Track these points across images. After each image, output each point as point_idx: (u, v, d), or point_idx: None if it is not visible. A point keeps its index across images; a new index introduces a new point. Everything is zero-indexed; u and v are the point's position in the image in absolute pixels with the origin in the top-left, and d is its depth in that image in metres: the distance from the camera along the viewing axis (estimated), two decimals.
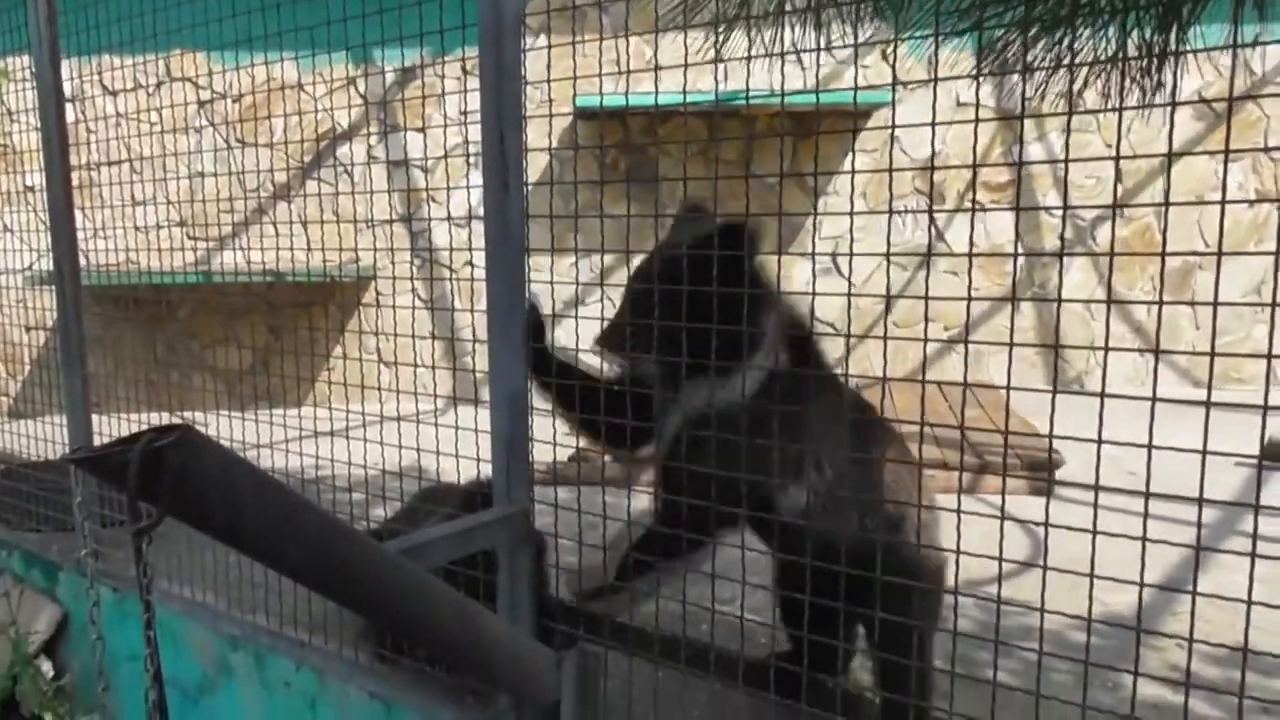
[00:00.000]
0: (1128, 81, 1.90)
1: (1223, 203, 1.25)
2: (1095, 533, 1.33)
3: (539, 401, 1.93)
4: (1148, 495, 1.28)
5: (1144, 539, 1.29)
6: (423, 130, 5.38)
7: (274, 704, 2.43)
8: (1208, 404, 1.25)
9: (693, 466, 1.68)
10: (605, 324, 1.87)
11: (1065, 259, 5.47)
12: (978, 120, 1.45)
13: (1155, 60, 1.81)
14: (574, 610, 1.95)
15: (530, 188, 1.87)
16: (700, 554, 1.76)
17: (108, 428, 3.00)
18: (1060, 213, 5.15)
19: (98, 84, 5.41)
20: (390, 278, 4.72)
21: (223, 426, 2.56)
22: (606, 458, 2.36)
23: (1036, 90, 1.92)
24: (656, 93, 1.84)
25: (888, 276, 1.46)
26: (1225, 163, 1.38)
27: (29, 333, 3.66)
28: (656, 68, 1.74)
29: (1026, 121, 5.39)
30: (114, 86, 5.31)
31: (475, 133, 1.84)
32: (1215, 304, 1.25)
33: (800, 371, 1.67)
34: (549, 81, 1.83)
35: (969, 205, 5.52)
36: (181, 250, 5.05)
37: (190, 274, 5.27)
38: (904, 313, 5.53)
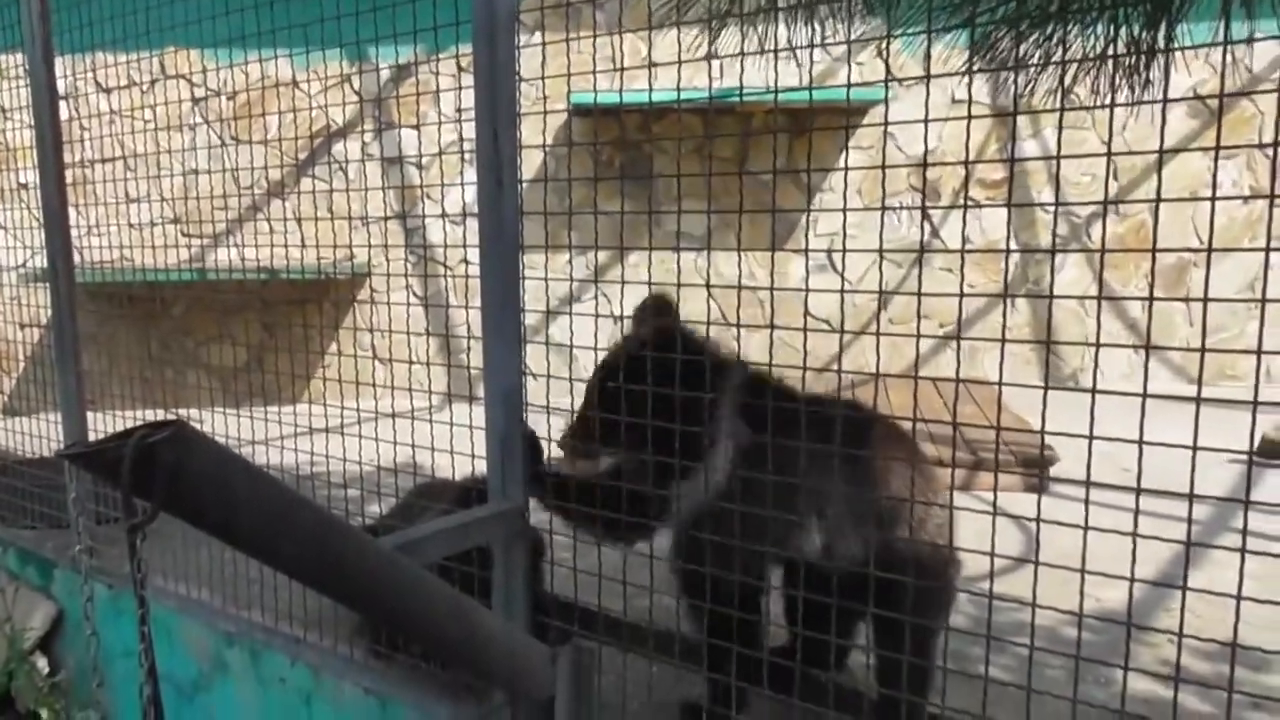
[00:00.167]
0: (1118, 78, 1.90)
1: (1213, 199, 1.25)
2: (1086, 528, 1.34)
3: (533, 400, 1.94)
4: (1139, 491, 1.29)
5: (1134, 534, 1.30)
6: (417, 127, 5.38)
7: (269, 700, 2.43)
8: (1198, 400, 1.26)
9: (692, 566, 1.75)
10: (568, 424, 1.94)
11: (1061, 256, 5.48)
12: (970, 116, 1.45)
13: (1144, 57, 1.82)
14: (569, 606, 1.96)
15: (525, 185, 1.87)
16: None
17: (103, 425, 2.99)
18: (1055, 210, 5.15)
19: (91, 81, 5.39)
20: (385, 275, 4.71)
21: (218, 423, 2.55)
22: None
23: (1027, 86, 1.93)
24: (651, 90, 1.84)
25: (880, 273, 1.46)
26: (1216, 159, 1.39)
27: (23, 330, 3.65)
28: (651, 64, 1.75)
29: (1023, 119, 5.41)
30: (108, 84, 5.29)
31: (470, 130, 1.84)
32: (1205, 300, 1.26)
33: (770, 441, 1.70)
34: (543, 78, 1.83)
35: (964, 202, 5.53)
36: (176, 247, 5.04)
37: (185, 271, 5.26)
38: (900, 309, 5.54)
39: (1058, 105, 1.38)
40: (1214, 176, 1.49)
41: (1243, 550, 1.24)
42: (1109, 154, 1.37)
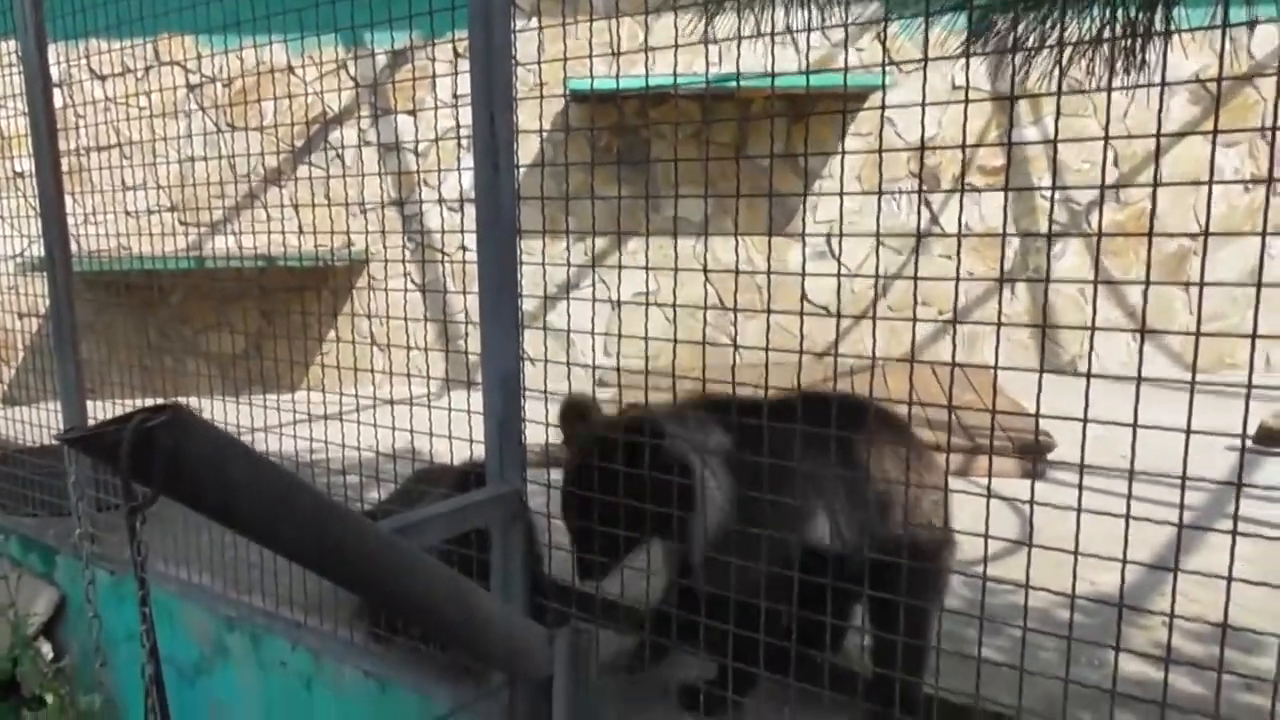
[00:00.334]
0: (1115, 61, 1.90)
1: (1210, 183, 1.25)
2: (1080, 510, 1.35)
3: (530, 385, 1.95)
4: (1131, 475, 1.30)
5: (1127, 517, 1.31)
6: (414, 113, 5.36)
7: (270, 684, 2.45)
8: (1192, 384, 1.27)
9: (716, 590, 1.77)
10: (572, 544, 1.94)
11: (1062, 244, 5.47)
12: (967, 101, 1.45)
13: (1139, 40, 1.81)
14: (566, 588, 1.97)
15: (522, 170, 1.87)
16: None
17: (102, 413, 3.00)
18: (1054, 196, 5.15)
19: (85, 68, 5.37)
20: (383, 261, 4.71)
21: (217, 411, 2.56)
22: None
23: (1022, 68, 1.92)
24: (648, 75, 1.83)
25: (877, 258, 1.46)
26: (1214, 143, 1.39)
27: (22, 319, 3.65)
28: (648, 49, 1.74)
29: (1024, 105, 5.39)
30: (102, 71, 5.26)
31: (467, 115, 1.84)
32: (1201, 284, 1.27)
33: (752, 497, 1.72)
34: (539, 63, 1.83)
35: (963, 188, 5.52)
36: (173, 235, 5.02)
37: (182, 259, 5.25)
38: (899, 295, 5.54)
39: (1054, 88, 1.38)
40: (1211, 159, 1.49)
41: (1234, 533, 1.24)
42: (1106, 138, 1.37)
